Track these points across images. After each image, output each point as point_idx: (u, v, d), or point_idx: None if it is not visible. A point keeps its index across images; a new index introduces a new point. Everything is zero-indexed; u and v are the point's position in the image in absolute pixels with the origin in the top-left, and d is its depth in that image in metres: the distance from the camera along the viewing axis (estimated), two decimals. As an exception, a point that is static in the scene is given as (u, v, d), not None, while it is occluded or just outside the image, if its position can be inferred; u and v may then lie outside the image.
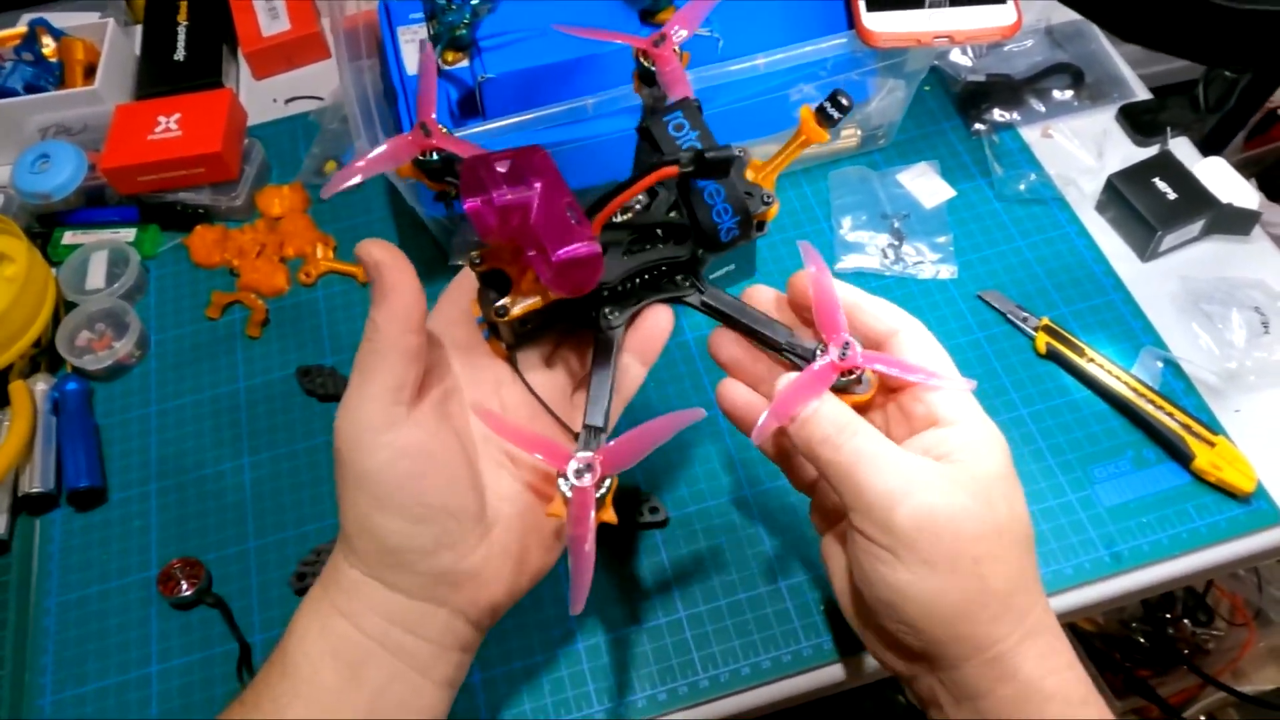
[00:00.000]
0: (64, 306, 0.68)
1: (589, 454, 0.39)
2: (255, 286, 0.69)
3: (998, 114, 0.72)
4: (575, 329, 0.45)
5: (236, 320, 0.69)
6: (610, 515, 0.39)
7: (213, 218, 0.73)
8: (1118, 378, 0.59)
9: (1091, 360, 0.60)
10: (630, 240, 0.43)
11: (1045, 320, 0.62)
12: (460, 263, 0.64)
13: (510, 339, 0.43)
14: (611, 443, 0.39)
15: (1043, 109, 0.72)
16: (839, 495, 0.39)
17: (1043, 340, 0.61)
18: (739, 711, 0.52)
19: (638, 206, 0.44)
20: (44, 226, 0.73)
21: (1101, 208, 0.67)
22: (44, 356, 0.66)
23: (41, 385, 0.64)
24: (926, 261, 0.66)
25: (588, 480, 0.38)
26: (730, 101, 0.64)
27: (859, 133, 0.71)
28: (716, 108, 0.63)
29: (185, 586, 0.56)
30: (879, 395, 0.44)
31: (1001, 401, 0.60)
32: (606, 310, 0.43)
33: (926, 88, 0.75)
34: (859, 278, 0.66)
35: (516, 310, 0.40)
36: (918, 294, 0.65)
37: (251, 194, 0.73)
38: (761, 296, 0.46)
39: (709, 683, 0.52)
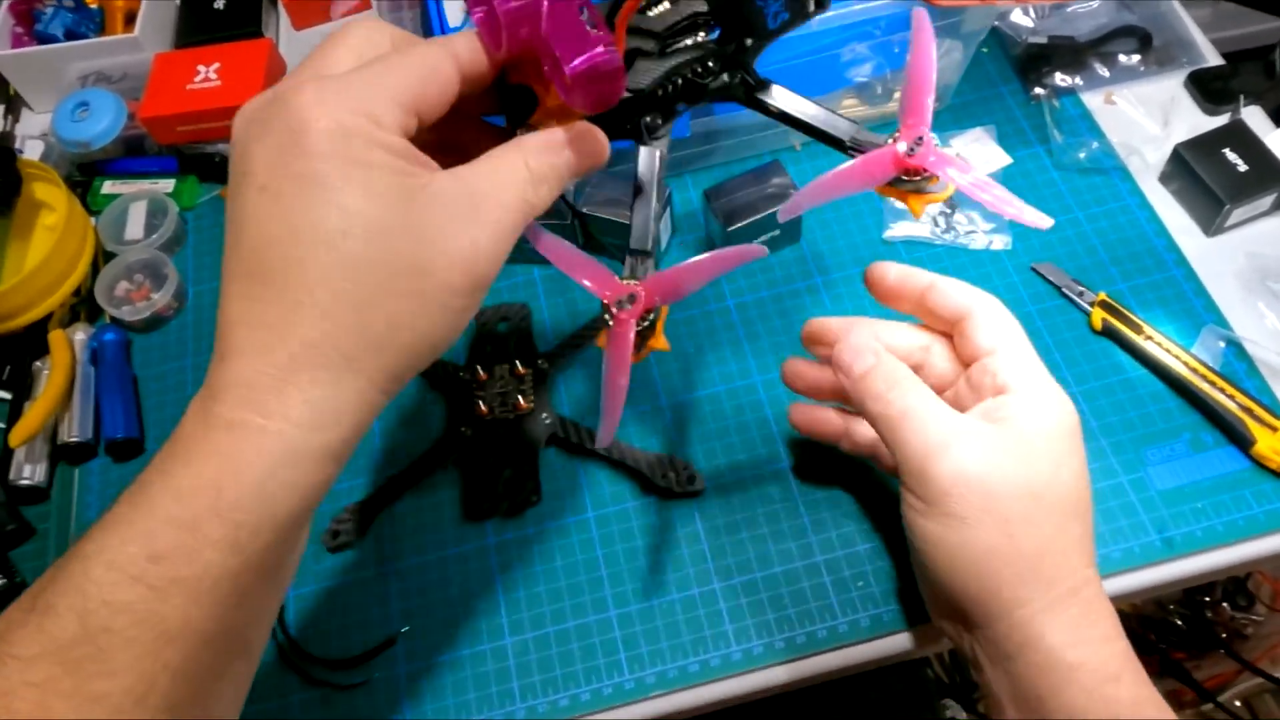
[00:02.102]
0: (103, 256, 0.68)
1: (634, 282, 0.37)
2: (292, 241, 0.68)
3: (1059, 78, 0.69)
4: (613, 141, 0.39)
5: (273, 274, 0.68)
6: (662, 343, 0.38)
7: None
8: (1177, 357, 0.57)
9: (1149, 338, 0.57)
10: (665, 38, 0.38)
11: (1102, 295, 0.59)
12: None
13: None
14: (658, 272, 0.38)
15: (1106, 74, 0.69)
16: (890, 449, 0.42)
17: (1099, 316, 0.59)
18: (768, 686, 0.51)
19: (666, 4, 0.39)
20: (84, 175, 0.73)
21: (1166, 179, 0.64)
22: (83, 306, 0.66)
23: (80, 335, 0.64)
24: (979, 231, 0.64)
25: (630, 310, 0.37)
26: (779, 60, 0.61)
27: (913, 95, 0.68)
28: (764, 67, 0.61)
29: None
30: (954, 366, 0.46)
31: (1054, 378, 0.58)
32: (647, 120, 0.39)
33: (984, 49, 0.72)
34: (908, 246, 0.64)
35: None
36: (969, 264, 0.63)
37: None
38: (885, 273, 0.48)
39: (741, 655, 0.51)
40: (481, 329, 0.63)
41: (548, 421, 0.58)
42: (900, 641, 0.51)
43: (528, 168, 0.36)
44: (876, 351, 0.44)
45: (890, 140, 0.40)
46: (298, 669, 0.53)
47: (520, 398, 0.58)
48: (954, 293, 0.45)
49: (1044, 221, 0.41)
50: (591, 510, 0.56)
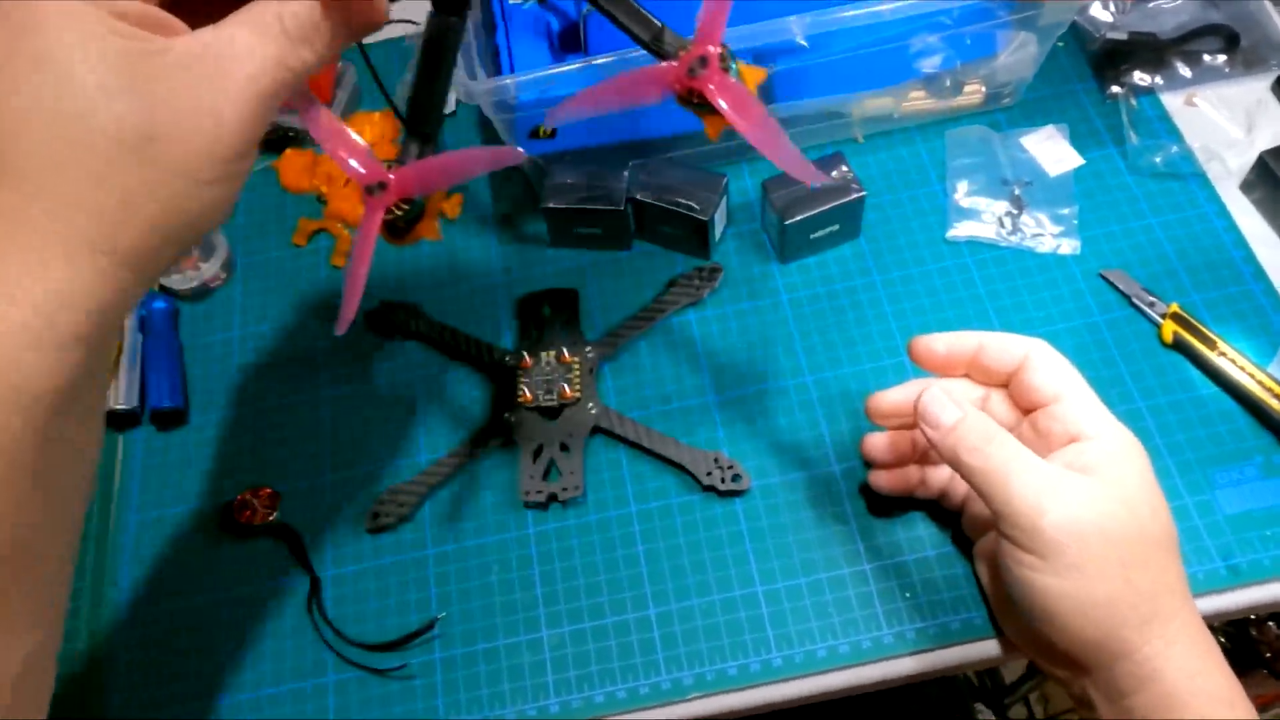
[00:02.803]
0: (153, 223, 0.68)
1: (391, 168, 0.37)
2: (342, 216, 0.67)
3: (1137, 77, 0.66)
4: None
5: (321, 249, 0.67)
6: (433, 232, 0.41)
7: (303, 142, 0.71)
8: (1251, 375, 0.54)
9: (1223, 354, 0.55)
10: None
11: (1174, 307, 0.57)
12: (551, 205, 0.61)
13: None
14: (414, 162, 0.38)
15: (1188, 74, 0.66)
16: (987, 503, 0.42)
17: (1170, 329, 0.56)
18: (810, 694, 0.50)
19: None
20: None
21: (1248, 187, 0.61)
22: (132, 273, 0.66)
23: (129, 302, 0.64)
24: (1047, 234, 0.61)
25: (379, 196, 0.36)
26: (844, 50, 0.60)
27: (984, 89, 0.65)
28: (828, 56, 0.59)
29: (259, 515, 0.56)
30: (1013, 414, 0.47)
31: (1118, 392, 0.55)
32: None
33: (1060, 44, 0.69)
34: (971, 247, 0.62)
35: None
36: (1034, 269, 0.60)
37: (343, 119, 0.71)
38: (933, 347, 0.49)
39: (782, 662, 0.50)
40: (527, 312, 0.62)
41: (593, 411, 0.57)
42: (955, 653, 0.50)
43: (282, 26, 0.33)
44: (961, 404, 0.44)
45: (681, 55, 0.36)
46: (333, 649, 0.52)
47: (565, 385, 0.57)
48: (1006, 345, 0.47)
49: (810, 175, 0.39)
50: (634, 504, 0.55)
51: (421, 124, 0.37)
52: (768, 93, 0.61)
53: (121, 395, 0.60)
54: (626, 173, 0.61)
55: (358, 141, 0.39)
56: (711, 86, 0.36)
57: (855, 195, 0.59)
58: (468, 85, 0.54)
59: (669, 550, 0.54)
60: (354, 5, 0.35)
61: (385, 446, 0.59)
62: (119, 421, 0.61)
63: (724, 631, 0.51)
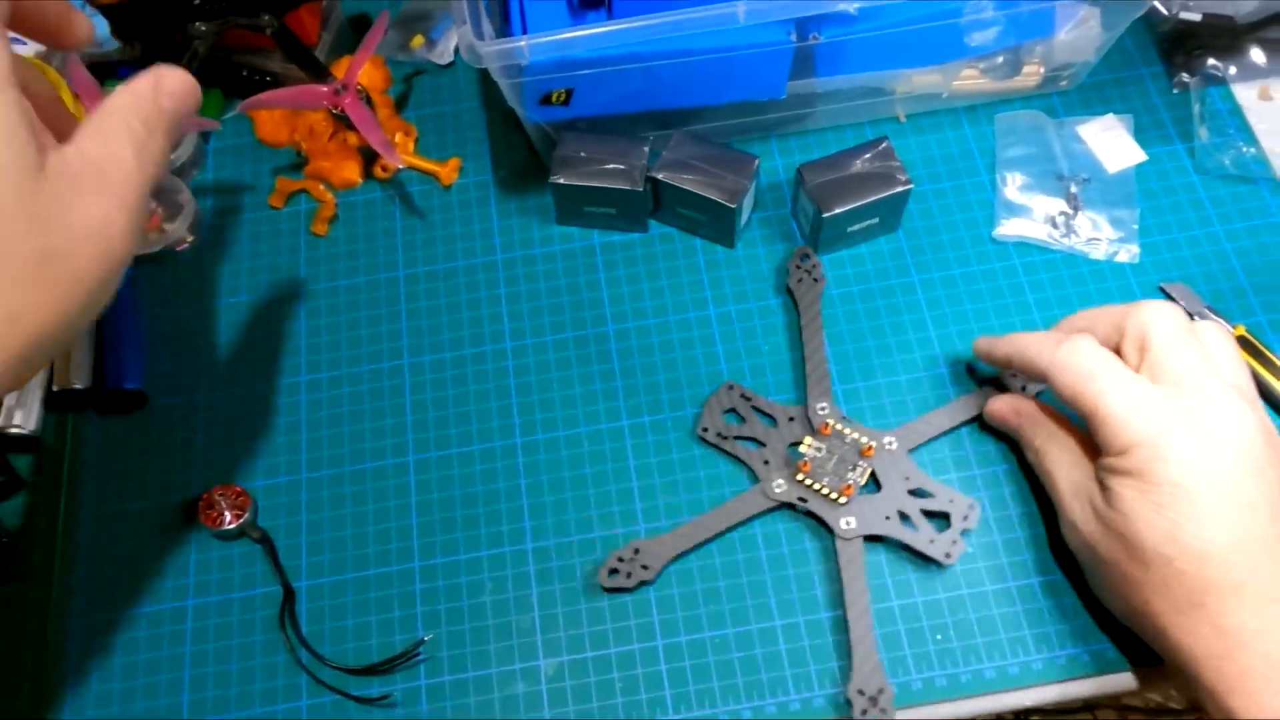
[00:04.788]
0: (112, 175, 0.61)
1: None
2: (324, 175, 0.61)
3: (1210, 64, 0.60)
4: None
5: (302, 213, 0.61)
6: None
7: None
8: (1320, 410, 0.50)
9: (1290, 384, 0.51)
10: None
11: (1240, 329, 0.52)
12: (559, 180, 0.55)
13: None
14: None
15: (1263, 63, 0.60)
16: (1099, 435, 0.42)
17: (1234, 353, 0.51)
18: None
19: None
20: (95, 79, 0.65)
21: (1324, 197, 0.56)
22: (88, 232, 0.59)
23: (83, 265, 0.57)
24: (1104, 239, 0.56)
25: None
26: (890, 24, 0.53)
27: (1041, 70, 0.59)
28: (873, 29, 0.53)
29: (229, 517, 0.51)
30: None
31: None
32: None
33: (1125, 21, 0.63)
34: (1020, 248, 0.56)
35: None
36: (1087, 276, 0.55)
37: (328, 64, 0.64)
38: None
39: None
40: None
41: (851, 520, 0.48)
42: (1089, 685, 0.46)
43: (132, 125, 0.35)
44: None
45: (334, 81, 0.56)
46: (308, 670, 0.48)
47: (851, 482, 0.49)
48: (1029, 359, 0.46)
49: (394, 161, 0.57)
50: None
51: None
52: (808, 66, 0.55)
53: (73, 373, 0.54)
54: (646, 148, 0.55)
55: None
56: (347, 102, 0.55)
57: (902, 187, 0.53)
58: (474, 46, 0.47)
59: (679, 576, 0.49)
60: (170, 87, 0.37)
61: (369, 441, 0.53)
62: (69, 403, 0.55)
63: (739, 668, 0.47)
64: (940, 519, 0.49)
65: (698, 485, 0.51)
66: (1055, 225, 0.56)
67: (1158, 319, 0.43)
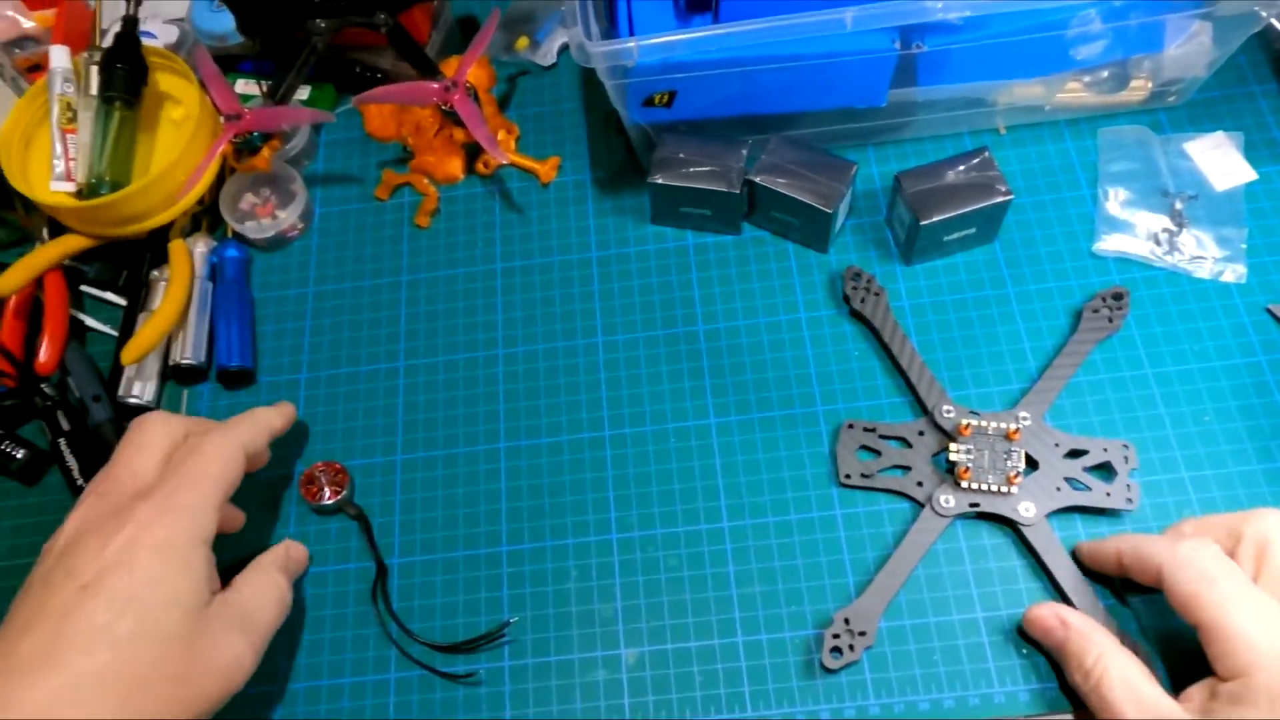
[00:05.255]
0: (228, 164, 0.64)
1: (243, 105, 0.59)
2: (428, 170, 0.63)
3: (1327, 83, 0.58)
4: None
5: (405, 205, 0.63)
6: (262, 162, 0.60)
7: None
8: None
9: (1404, 414, 0.49)
10: None
11: (1352, 354, 0.51)
12: (657, 180, 0.56)
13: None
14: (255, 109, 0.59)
15: (1385, 84, 0.59)
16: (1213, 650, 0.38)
17: (1345, 379, 0.50)
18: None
19: None
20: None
21: None
22: (205, 216, 0.62)
23: (201, 247, 0.60)
24: (1209, 257, 0.55)
25: (231, 124, 0.58)
26: (994, 34, 0.53)
27: (1149, 85, 0.58)
28: (977, 39, 0.53)
29: (328, 493, 0.53)
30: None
31: (1277, 444, 0.50)
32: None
33: (1238, 38, 0.61)
34: (1120, 264, 0.55)
35: None
36: (1190, 295, 0.54)
37: (437, 63, 0.66)
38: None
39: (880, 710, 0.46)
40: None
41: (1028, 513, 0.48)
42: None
43: (279, 581, 0.47)
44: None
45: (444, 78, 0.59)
46: (398, 645, 0.49)
47: (1011, 471, 0.49)
48: (1141, 556, 0.42)
49: (498, 156, 0.58)
50: (727, 520, 0.51)
51: (276, 97, 0.59)
52: (910, 74, 0.55)
53: (189, 349, 0.57)
54: (745, 151, 0.56)
55: (227, 85, 0.59)
56: (456, 98, 0.58)
57: (1001, 198, 0.53)
58: (584, 46, 0.49)
59: (761, 574, 0.49)
60: (299, 555, 0.51)
61: (462, 426, 0.55)
62: (184, 376, 0.58)
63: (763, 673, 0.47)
64: (1103, 470, 0.49)
65: (781, 487, 0.51)
66: (1158, 242, 0.55)
67: (1278, 526, 0.39)
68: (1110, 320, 0.52)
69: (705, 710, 0.47)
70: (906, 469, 0.50)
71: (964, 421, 0.50)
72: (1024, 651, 0.46)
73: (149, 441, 0.45)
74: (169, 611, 0.40)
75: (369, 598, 0.51)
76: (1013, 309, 0.55)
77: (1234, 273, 0.54)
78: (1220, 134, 0.58)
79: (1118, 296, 0.53)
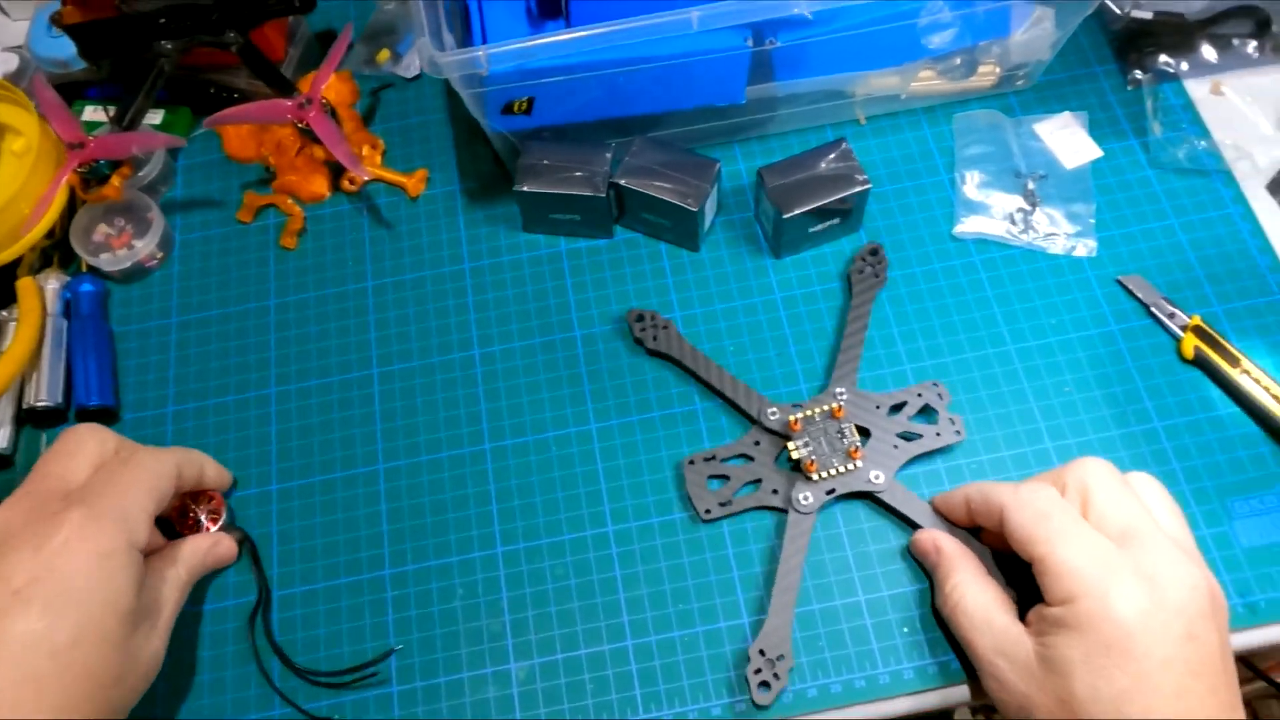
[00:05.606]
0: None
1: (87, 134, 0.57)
2: (292, 189, 0.61)
3: (1162, 61, 0.61)
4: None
5: (270, 227, 0.61)
6: (114, 192, 0.58)
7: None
8: (1275, 396, 0.51)
9: (1245, 372, 0.51)
10: None
11: (1196, 319, 0.53)
12: (524, 188, 0.55)
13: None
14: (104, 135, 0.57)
15: (1215, 59, 0.61)
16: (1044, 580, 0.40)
17: (1190, 343, 0.52)
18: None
19: None
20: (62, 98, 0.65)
21: (1276, 187, 0.57)
22: (55, 251, 0.60)
23: (53, 284, 0.58)
24: (1061, 234, 0.57)
25: (76, 152, 0.56)
26: (846, 27, 0.54)
27: (998, 70, 0.60)
28: (829, 33, 0.54)
29: (206, 522, 0.51)
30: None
31: (1134, 410, 0.52)
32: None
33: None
34: (979, 244, 0.57)
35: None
36: (1046, 271, 0.56)
37: (295, 80, 0.64)
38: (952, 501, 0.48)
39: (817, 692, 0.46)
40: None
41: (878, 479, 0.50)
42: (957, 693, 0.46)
43: (183, 577, 0.47)
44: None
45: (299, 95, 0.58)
46: (271, 682, 0.48)
47: (852, 447, 0.50)
48: (986, 499, 0.44)
49: (359, 173, 0.58)
50: (611, 523, 0.51)
51: (124, 123, 0.57)
52: (767, 70, 0.56)
53: (44, 390, 0.54)
54: (609, 154, 0.56)
55: (69, 112, 0.57)
56: (312, 115, 0.57)
57: (860, 187, 0.54)
58: (433, 57, 0.48)
59: (648, 576, 0.49)
60: (219, 552, 0.50)
61: (339, 450, 0.54)
62: (41, 419, 0.55)
63: (707, 666, 0.47)
64: (925, 414, 0.52)
65: (665, 487, 0.51)
66: (1014, 222, 0.57)
67: (1095, 471, 0.42)
68: (876, 275, 0.55)
69: (599, 713, 0.46)
70: (757, 482, 0.51)
71: (791, 417, 0.51)
72: (927, 628, 0.47)
73: (78, 449, 0.45)
74: (107, 617, 0.40)
75: (246, 634, 0.49)
76: (880, 295, 0.56)
77: (1085, 247, 0.56)
78: (1067, 114, 0.61)
79: (874, 252, 0.56)
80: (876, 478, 0.49)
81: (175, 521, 0.51)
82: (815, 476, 0.49)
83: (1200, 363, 0.52)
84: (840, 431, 0.50)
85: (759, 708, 0.46)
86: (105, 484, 0.43)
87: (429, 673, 0.48)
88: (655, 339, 0.54)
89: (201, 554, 0.48)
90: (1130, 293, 0.55)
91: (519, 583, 0.50)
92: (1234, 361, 0.52)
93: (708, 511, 0.50)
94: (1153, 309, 0.54)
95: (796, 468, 0.50)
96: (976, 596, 0.43)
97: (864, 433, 0.51)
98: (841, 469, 0.49)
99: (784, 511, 0.49)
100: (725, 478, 0.51)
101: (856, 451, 0.49)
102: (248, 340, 0.57)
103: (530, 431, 0.53)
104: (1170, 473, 0.50)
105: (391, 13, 0.68)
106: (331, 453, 0.54)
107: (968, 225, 0.57)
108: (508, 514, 0.51)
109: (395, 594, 0.50)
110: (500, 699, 0.47)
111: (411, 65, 0.66)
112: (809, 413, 0.51)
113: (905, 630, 0.47)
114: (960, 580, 0.44)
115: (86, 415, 0.54)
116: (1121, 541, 0.39)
